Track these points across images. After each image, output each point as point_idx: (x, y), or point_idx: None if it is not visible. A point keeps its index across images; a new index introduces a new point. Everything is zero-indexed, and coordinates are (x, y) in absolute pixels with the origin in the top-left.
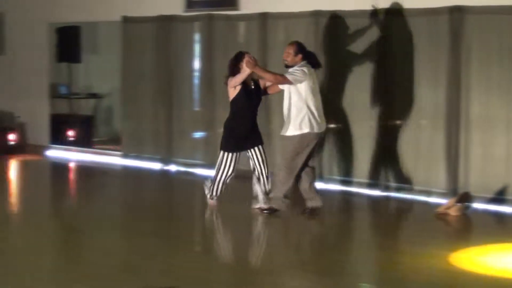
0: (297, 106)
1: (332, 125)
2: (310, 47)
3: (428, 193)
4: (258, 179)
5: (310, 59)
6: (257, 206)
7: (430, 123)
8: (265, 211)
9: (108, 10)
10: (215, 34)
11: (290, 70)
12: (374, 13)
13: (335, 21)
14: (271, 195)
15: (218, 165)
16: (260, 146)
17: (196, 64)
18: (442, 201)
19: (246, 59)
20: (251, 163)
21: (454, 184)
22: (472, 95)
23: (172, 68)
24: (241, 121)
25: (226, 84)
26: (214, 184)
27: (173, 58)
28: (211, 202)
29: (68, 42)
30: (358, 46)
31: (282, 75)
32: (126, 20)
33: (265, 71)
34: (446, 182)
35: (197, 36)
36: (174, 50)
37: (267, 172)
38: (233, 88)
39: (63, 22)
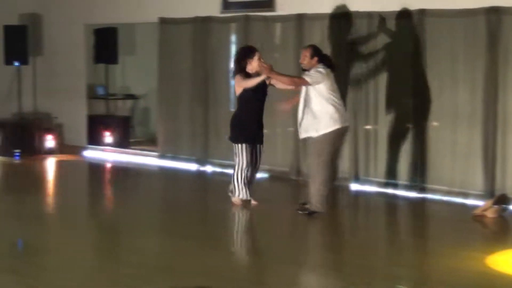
0: (321, 106)
1: (368, 126)
2: (345, 47)
3: (465, 195)
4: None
5: (325, 62)
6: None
7: (467, 124)
8: (307, 213)
9: (145, 12)
10: (251, 35)
11: (307, 72)
12: (409, 15)
13: (369, 22)
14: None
15: (235, 160)
16: (261, 146)
17: (232, 65)
18: (479, 203)
19: (259, 63)
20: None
21: (491, 186)
22: (509, 96)
23: (208, 69)
24: (248, 116)
25: (233, 78)
26: (234, 181)
27: (210, 59)
28: (235, 200)
29: (106, 43)
30: (393, 46)
31: (299, 77)
32: (163, 21)
33: (281, 75)
34: (483, 184)
35: (233, 37)
36: (211, 51)
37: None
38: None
39: (101, 24)
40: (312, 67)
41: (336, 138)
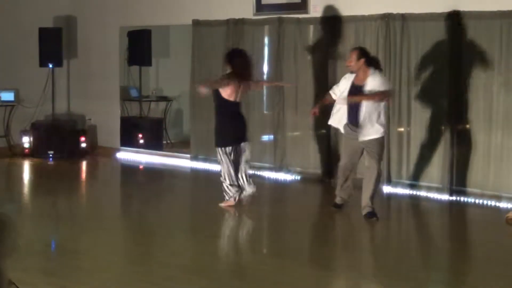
0: (376, 110)
1: (401, 129)
2: (381, 50)
3: (498, 198)
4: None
5: (374, 64)
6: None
7: (501, 128)
8: (374, 217)
9: (179, 14)
10: (285, 37)
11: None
12: (446, 16)
13: (405, 24)
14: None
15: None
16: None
17: (266, 67)
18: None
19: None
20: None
21: None
22: None
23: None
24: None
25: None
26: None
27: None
28: (227, 202)
29: (139, 46)
30: (430, 49)
31: (387, 91)
32: (197, 23)
33: (368, 96)
34: None
35: (266, 39)
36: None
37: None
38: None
39: (134, 26)
40: (359, 69)
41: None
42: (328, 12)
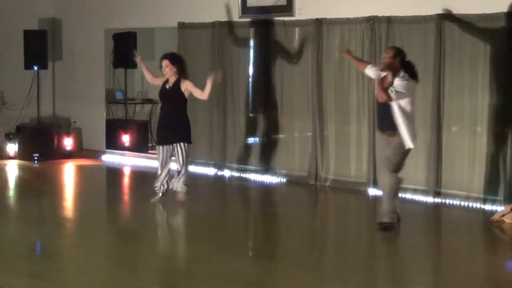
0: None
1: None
2: (366, 52)
3: (483, 200)
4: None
5: (408, 69)
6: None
7: (486, 130)
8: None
9: (164, 16)
10: (270, 40)
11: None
12: (428, 20)
13: (391, 27)
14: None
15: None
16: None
17: (251, 69)
18: (498, 208)
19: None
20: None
21: (510, 191)
22: None
23: (226, 73)
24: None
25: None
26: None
27: (228, 64)
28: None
29: (125, 48)
30: (415, 52)
31: (390, 91)
32: (182, 26)
33: (379, 84)
34: (502, 190)
35: (252, 42)
36: (229, 55)
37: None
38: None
39: (120, 28)
40: (391, 67)
41: None
42: (313, 15)
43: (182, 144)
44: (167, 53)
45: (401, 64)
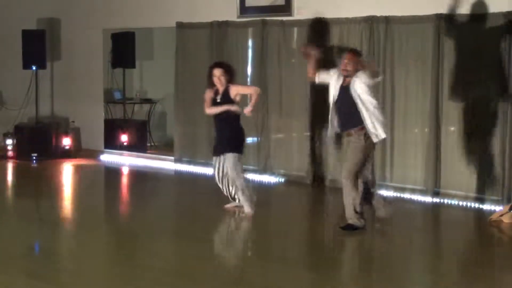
0: None
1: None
2: (364, 52)
3: (482, 200)
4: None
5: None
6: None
7: (484, 131)
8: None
9: (163, 16)
10: (269, 40)
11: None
12: (429, 19)
13: (389, 27)
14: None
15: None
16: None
17: (250, 69)
18: (496, 208)
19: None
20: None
21: (508, 191)
22: None
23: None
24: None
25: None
26: None
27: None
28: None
29: (123, 48)
30: (413, 51)
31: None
32: (181, 26)
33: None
34: (500, 190)
35: (250, 42)
36: (228, 55)
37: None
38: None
39: (118, 28)
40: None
41: None
42: (312, 15)
43: (230, 154)
44: (218, 61)
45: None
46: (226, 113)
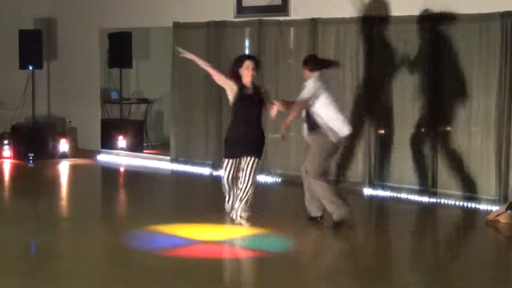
0: None
1: (381, 131)
2: (360, 52)
3: (478, 200)
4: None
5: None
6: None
7: (480, 130)
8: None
9: (160, 16)
10: (266, 40)
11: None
12: (425, 19)
13: (385, 27)
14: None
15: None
16: (248, 158)
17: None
18: (493, 208)
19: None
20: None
21: (504, 191)
22: None
23: (222, 73)
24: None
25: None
26: None
27: (224, 64)
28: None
29: (120, 48)
30: (408, 51)
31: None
32: (177, 25)
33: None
34: (497, 189)
35: (247, 42)
36: (225, 55)
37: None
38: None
39: (115, 28)
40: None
41: None
42: (308, 15)
43: (252, 158)
44: (250, 54)
45: (311, 70)
46: (259, 111)
